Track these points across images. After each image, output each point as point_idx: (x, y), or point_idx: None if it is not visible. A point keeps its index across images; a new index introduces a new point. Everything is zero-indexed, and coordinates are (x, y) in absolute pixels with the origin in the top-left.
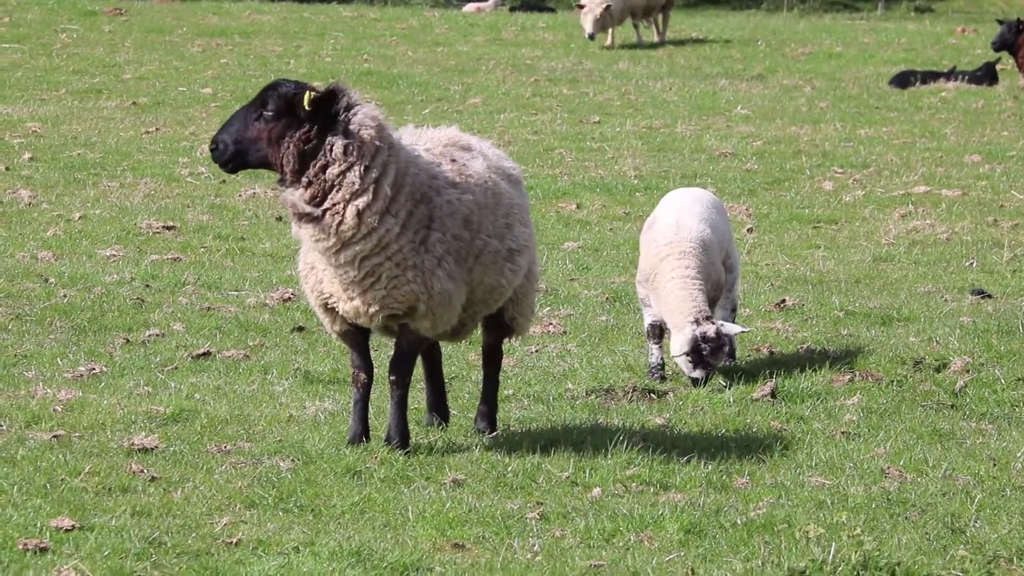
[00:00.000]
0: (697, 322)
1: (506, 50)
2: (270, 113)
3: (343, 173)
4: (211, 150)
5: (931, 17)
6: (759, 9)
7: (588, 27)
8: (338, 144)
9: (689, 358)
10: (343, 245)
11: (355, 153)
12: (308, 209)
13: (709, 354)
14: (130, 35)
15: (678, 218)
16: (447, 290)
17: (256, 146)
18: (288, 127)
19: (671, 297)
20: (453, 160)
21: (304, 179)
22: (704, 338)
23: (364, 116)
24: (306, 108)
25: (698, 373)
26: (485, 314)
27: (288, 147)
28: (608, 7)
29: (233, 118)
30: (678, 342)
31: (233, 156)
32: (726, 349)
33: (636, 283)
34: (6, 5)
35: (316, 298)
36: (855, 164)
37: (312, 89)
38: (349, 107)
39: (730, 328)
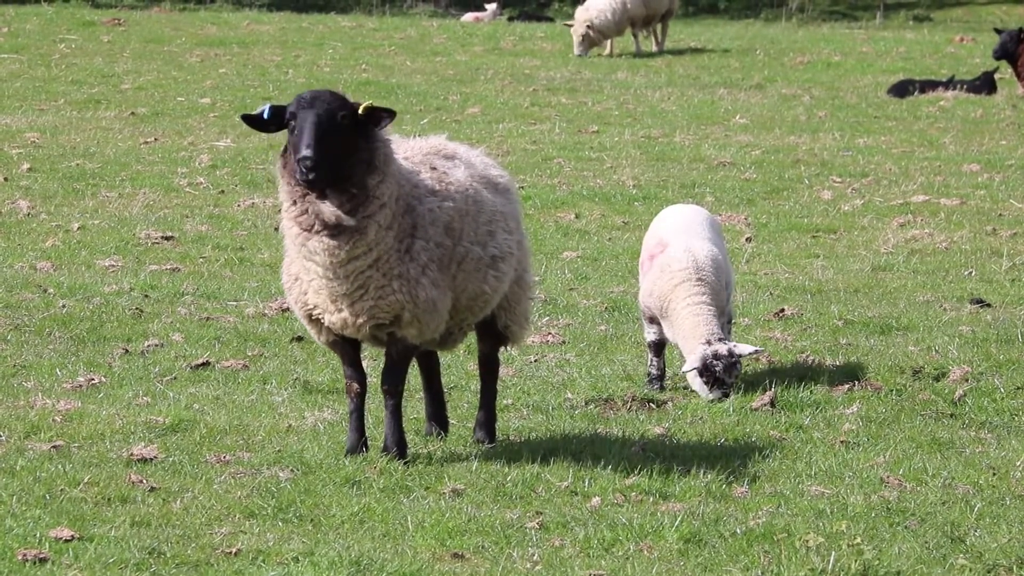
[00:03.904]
0: (709, 342)
1: (504, 60)
2: (348, 123)
3: (378, 185)
4: (310, 168)
5: (929, 26)
6: (758, 18)
7: (575, 48)
8: (380, 154)
9: (702, 377)
10: (351, 259)
11: (387, 165)
12: (350, 221)
13: (722, 371)
14: (129, 45)
15: (690, 242)
16: (432, 298)
17: (343, 157)
18: (357, 136)
19: (685, 323)
20: (433, 168)
21: (352, 190)
22: (716, 356)
23: (383, 128)
24: (360, 115)
25: (713, 395)
26: (471, 322)
27: (361, 154)
28: (590, 25)
29: (318, 134)
30: (690, 361)
31: (329, 171)
32: (739, 368)
33: (640, 299)
34: (4, 15)
35: (301, 309)
36: (854, 173)
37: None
38: None
39: (743, 348)
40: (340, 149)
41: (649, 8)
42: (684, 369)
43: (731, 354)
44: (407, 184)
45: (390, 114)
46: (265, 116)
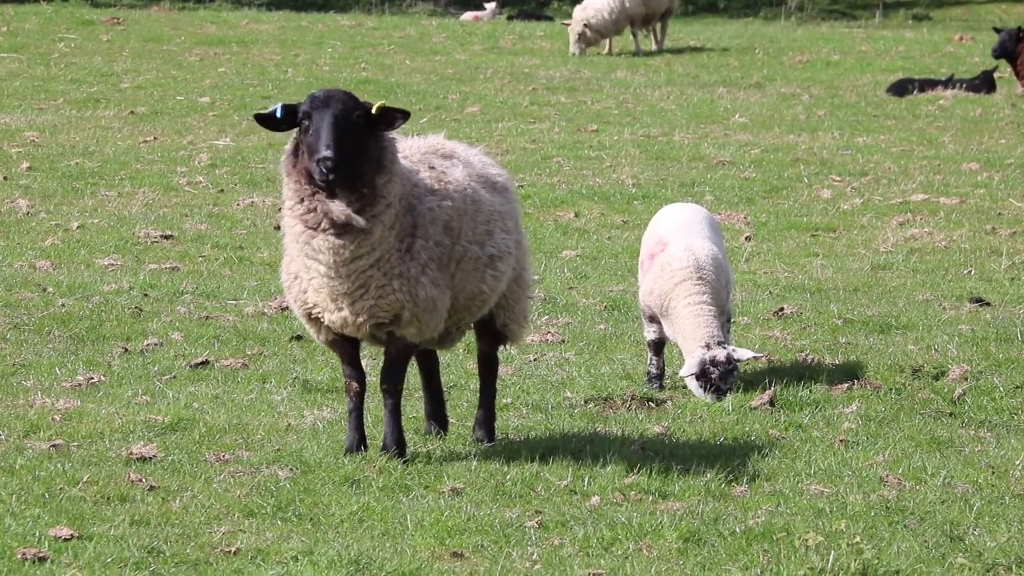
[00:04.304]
0: (708, 346)
1: (504, 59)
2: (362, 123)
3: (385, 184)
4: (331, 168)
5: (929, 25)
6: (757, 17)
7: (571, 47)
8: (388, 153)
9: (699, 382)
10: (355, 258)
11: (393, 164)
12: (361, 222)
13: (718, 377)
14: (128, 44)
15: (690, 241)
16: (431, 296)
17: (355, 156)
18: (367, 135)
19: (685, 323)
20: (432, 167)
21: (362, 189)
22: (713, 362)
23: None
24: (373, 114)
25: (709, 398)
26: (470, 321)
27: (371, 153)
28: (588, 24)
29: (336, 134)
30: (687, 365)
31: (346, 171)
32: (736, 373)
33: (640, 298)
34: (4, 14)
35: (300, 308)
36: (853, 172)
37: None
38: None
39: (742, 353)
40: (354, 149)
41: (648, 7)
42: (682, 374)
43: (728, 360)
44: (407, 183)
45: (404, 115)
46: (278, 115)
